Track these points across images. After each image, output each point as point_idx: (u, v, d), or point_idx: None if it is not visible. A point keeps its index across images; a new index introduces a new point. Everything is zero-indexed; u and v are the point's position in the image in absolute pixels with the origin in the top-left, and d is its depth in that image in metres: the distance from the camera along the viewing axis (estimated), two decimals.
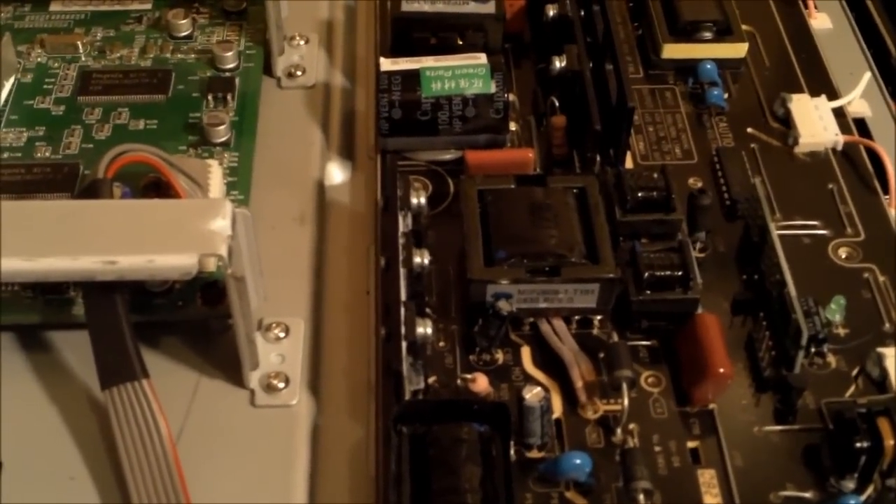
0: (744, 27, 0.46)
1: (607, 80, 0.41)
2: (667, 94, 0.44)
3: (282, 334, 0.36)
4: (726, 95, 0.44)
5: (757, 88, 0.45)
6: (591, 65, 0.42)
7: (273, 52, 0.43)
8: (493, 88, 0.40)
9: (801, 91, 0.44)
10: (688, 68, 0.45)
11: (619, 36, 0.42)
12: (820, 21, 0.49)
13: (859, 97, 0.44)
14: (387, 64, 0.41)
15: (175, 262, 0.30)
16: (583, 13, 0.44)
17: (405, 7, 0.43)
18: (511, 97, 0.42)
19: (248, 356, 0.34)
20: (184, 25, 0.44)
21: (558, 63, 0.42)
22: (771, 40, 0.47)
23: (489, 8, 0.43)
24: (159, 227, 0.31)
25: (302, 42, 0.45)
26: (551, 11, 0.44)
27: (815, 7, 0.49)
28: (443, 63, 0.41)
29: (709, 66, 0.44)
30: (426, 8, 0.43)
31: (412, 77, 0.40)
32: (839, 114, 0.43)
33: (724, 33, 0.45)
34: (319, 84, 0.44)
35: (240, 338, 0.33)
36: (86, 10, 0.45)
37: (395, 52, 0.42)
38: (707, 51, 0.45)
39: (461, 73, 0.40)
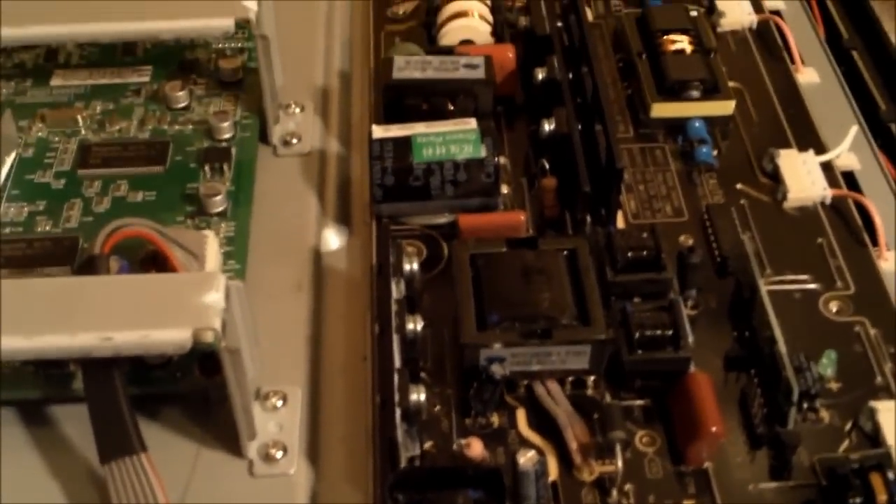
0: (731, 84, 0.47)
1: (597, 141, 0.42)
2: (657, 152, 0.45)
3: (279, 403, 0.36)
4: (715, 152, 0.45)
5: (746, 144, 0.45)
6: (580, 126, 0.42)
7: (269, 120, 0.44)
8: (483, 153, 0.41)
9: (789, 146, 0.45)
10: (677, 126, 0.46)
11: (609, 96, 0.43)
12: (807, 75, 0.49)
13: (847, 150, 0.45)
14: (378, 131, 0.41)
15: (169, 337, 0.31)
16: (571, 75, 0.45)
17: (396, 74, 0.43)
18: (502, 160, 0.43)
19: (245, 427, 0.34)
20: (181, 97, 0.45)
21: (548, 126, 0.43)
22: (758, 96, 0.48)
23: (479, 73, 0.44)
24: (154, 302, 0.32)
25: (297, 109, 0.46)
26: (540, 75, 0.45)
27: (802, 62, 0.50)
28: (434, 129, 0.41)
29: (697, 125, 0.45)
30: (417, 75, 0.43)
31: (404, 143, 0.41)
32: (827, 167, 0.44)
33: (712, 91, 0.46)
34: (315, 151, 0.45)
35: (236, 409, 0.34)
36: (86, 83, 0.46)
37: (387, 119, 0.43)
38: (695, 109, 0.45)
39: (452, 138, 0.41)
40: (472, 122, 0.42)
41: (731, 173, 0.44)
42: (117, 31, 0.42)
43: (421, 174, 0.41)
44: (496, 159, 0.41)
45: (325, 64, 0.49)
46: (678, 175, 0.44)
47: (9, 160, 0.43)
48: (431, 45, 0.47)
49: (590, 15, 0.50)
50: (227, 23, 0.41)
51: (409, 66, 0.44)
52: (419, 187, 0.41)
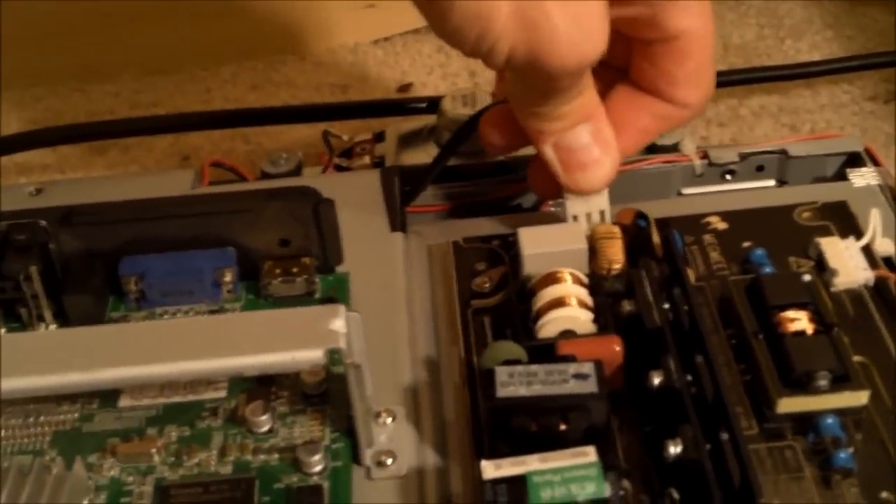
0: (857, 359, 0.43)
1: (724, 453, 0.38)
2: (787, 452, 0.41)
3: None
4: (851, 449, 0.40)
5: (884, 439, 0.41)
6: (708, 446, 0.38)
7: (361, 444, 0.40)
8: (606, 492, 0.37)
9: None
10: (805, 420, 0.41)
11: (734, 404, 0.39)
12: None
13: None
14: (489, 469, 0.37)
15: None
16: (690, 377, 0.41)
17: (501, 392, 0.39)
18: (624, 484, 0.39)
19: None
20: (263, 421, 0.41)
21: (673, 448, 0.39)
22: (888, 374, 0.43)
23: (591, 386, 0.40)
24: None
25: (389, 419, 0.42)
26: (656, 379, 0.41)
27: None
28: (550, 464, 0.37)
29: (830, 421, 0.41)
30: (523, 392, 0.39)
31: (518, 485, 0.37)
32: None
33: (842, 380, 0.41)
34: (411, 472, 0.41)
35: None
36: (157, 402, 0.43)
37: (492, 438, 0.39)
38: (826, 402, 0.41)
39: (570, 476, 0.37)
40: (590, 454, 0.38)
41: (874, 479, 0.40)
42: (197, 371, 0.38)
43: None
44: (619, 491, 0.37)
45: (412, 355, 0.45)
46: (814, 481, 0.40)
47: None
48: (528, 336, 0.44)
49: (692, 276, 0.47)
50: (316, 354, 0.38)
51: (514, 380, 0.40)
52: None
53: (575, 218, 0.48)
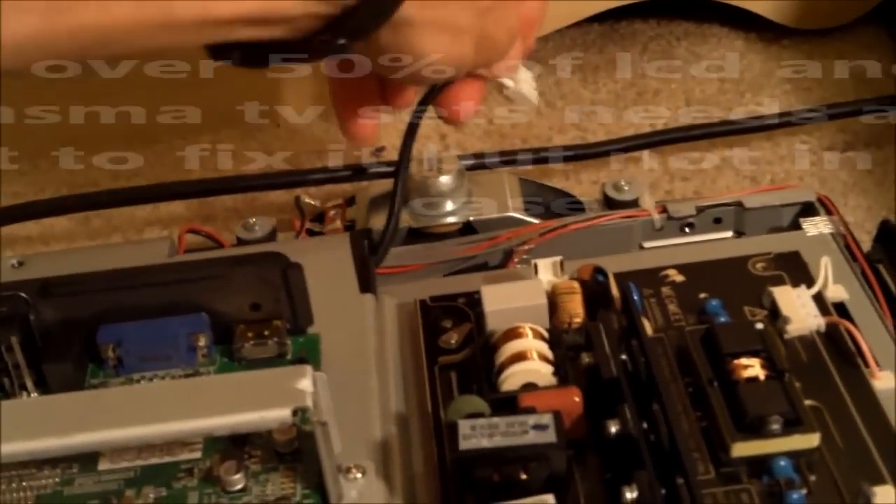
0: (808, 402, 0.44)
1: (681, 499, 0.40)
2: (742, 496, 0.42)
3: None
4: (805, 491, 0.42)
5: (837, 481, 0.43)
6: (663, 490, 0.40)
7: (330, 497, 0.42)
8: None
9: (883, 481, 0.42)
10: (759, 463, 0.43)
11: (690, 451, 0.41)
12: (884, 380, 0.47)
13: None
14: None
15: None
16: (645, 424, 0.42)
17: (464, 445, 0.41)
18: None
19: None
20: (237, 480, 0.43)
21: (629, 494, 0.40)
22: (840, 417, 0.45)
23: (549, 436, 0.41)
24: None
25: (359, 474, 0.43)
26: (613, 428, 0.43)
27: (878, 364, 0.47)
28: None
29: (783, 463, 0.42)
30: (485, 443, 0.41)
31: None
32: None
33: (794, 424, 0.43)
34: None
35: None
36: (135, 464, 0.44)
37: (457, 491, 0.41)
38: (779, 445, 0.43)
39: None
40: (549, 501, 0.39)
41: None
42: (172, 432, 0.40)
43: None
44: None
45: (382, 411, 0.47)
46: None
47: None
48: (491, 389, 0.45)
49: (649, 328, 0.49)
50: (284, 413, 0.39)
51: (476, 432, 0.41)
52: None
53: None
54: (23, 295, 0.47)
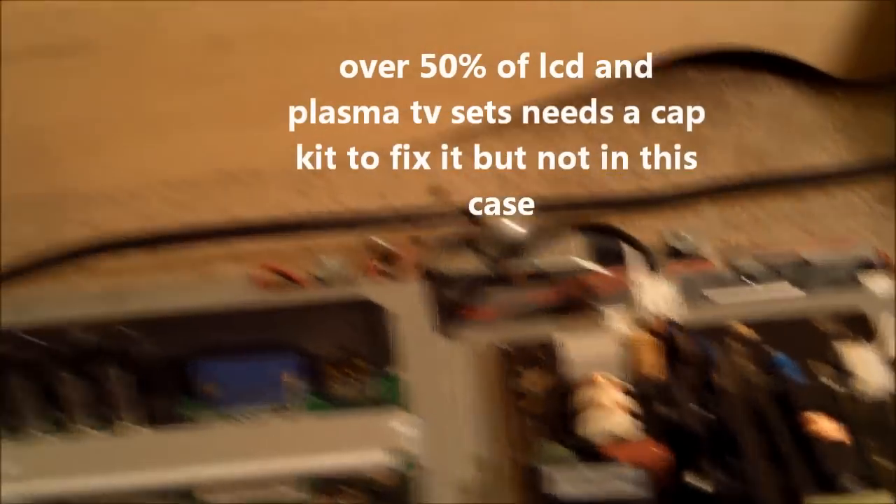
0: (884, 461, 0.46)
1: None
2: None
3: None
4: None
5: None
6: None
7: None
8: None
9: None
10: None
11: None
12: None
13: None
14: None
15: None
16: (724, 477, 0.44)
17: (551, 490, 0.43)
18: None
19: None
20: None
21: None
22: None
23: (641, 491, 0.43)
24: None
25: None
26: (693, 480, 0.44)
27: None
28: None
29: None
30: (571, 491, 0.43)
31: None
32: None
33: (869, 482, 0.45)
34: None
35: None
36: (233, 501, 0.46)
37: None
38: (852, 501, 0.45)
39: None
40: None
41: None
42: (269, 471, 0.42)
43: None
44: None
45: (468, 454, 0.48)
46: None
47: None
48: (571, 437, 0.47)
49: (721, 381, 0.50)
50: (382, 457, 0.41)
51: (563, 478, 0.43)
52: None
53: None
54: (125, 330, 0.49)
